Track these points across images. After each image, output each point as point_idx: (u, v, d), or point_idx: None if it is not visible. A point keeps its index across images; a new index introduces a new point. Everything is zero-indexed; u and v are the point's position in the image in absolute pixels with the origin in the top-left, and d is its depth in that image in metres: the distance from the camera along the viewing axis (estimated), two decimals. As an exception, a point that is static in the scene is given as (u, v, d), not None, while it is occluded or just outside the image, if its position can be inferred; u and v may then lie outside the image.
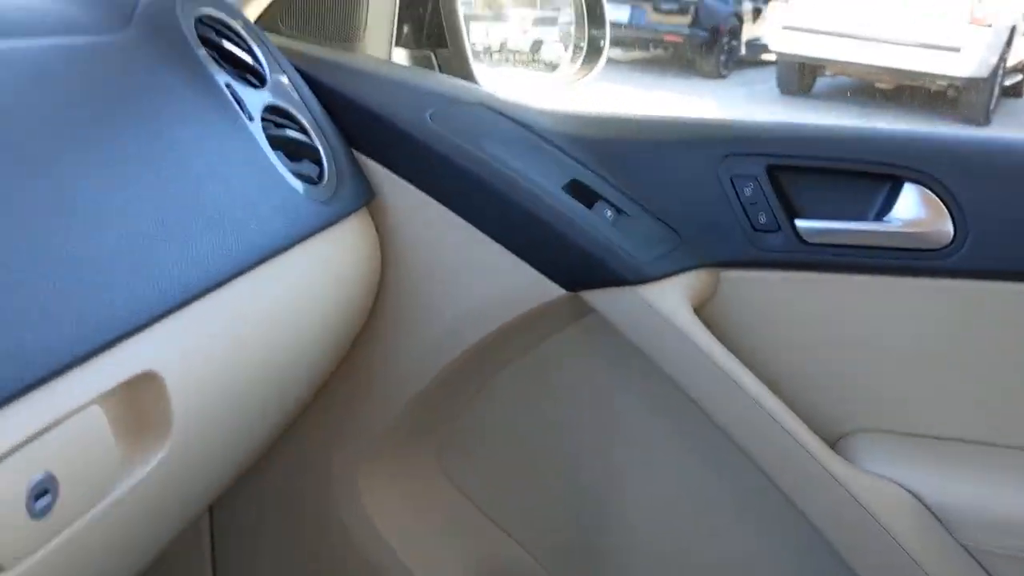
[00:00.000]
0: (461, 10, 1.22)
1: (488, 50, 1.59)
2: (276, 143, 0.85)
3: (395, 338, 1.00)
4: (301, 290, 0.85)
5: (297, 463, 1.07)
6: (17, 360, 0.53)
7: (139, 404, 0.64)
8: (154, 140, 0.73)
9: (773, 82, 9.40)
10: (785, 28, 8.89)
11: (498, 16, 1.67)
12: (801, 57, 8.93)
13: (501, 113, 1.02)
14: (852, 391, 1.00)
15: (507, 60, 1.62)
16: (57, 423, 0.56)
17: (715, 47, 10.14)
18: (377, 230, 0.97)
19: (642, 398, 1.05)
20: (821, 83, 9.45)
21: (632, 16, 9.92)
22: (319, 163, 0.89)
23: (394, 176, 0.96)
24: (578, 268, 0.94)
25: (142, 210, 0.67)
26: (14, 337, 0.53)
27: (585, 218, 0.95)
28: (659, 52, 10.47)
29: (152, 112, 0.76)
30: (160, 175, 0.71)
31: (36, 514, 0.55)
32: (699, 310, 0.98)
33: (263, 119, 0.86)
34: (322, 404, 1.02)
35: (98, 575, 0.65)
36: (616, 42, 9.96)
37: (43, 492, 0.55)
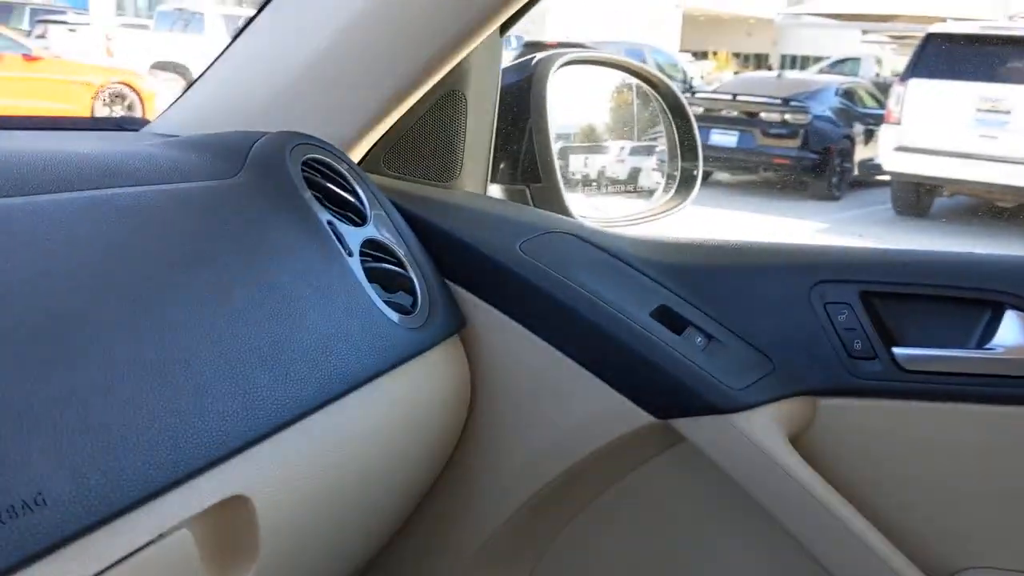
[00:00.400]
0: (554, 146, 1.27)
1: (586, 179, 1.63)
2: (373, 276, 0.90)
3: (485, 463, 1.01)
4: (393, 415, 0.88)
5: None
6: (113, 482, 0.56)
7: (228, 527, 0.67)
8: (259, 275, 0.78)
9: (888, 203, 9.25)
10: (898, 149, 8.79)
11: (596, 147, 1.72)
12: (916, 177, 8.78)
13: (589, 242, 1.05)
14: (962, 525, 0.96)
15: (604, 189, 1.66)
16: (148, 544, 0.59)
17: (826, 169, 10.08)
18: (468, 357, 0.99)
19: (736, 530, 1.02)
20: (939, 203, 9.24)
21: (740, 140, 10.00)
22: (413, 293, 0.93)
23: (484, 304, 0.99)
24: (668, 395, 0.94)
25: (243, 341, 0.71)
26: (116, 460, 0.57)
27: (675, 344, 0.95)
28: (769, 175, 10.48)
29: (258, 249, 0.81)
30: (262, 309, 0.75)
31: (126, 634, 0.57)
32: (794, 439, 0.96)
33: (362, 254, 0.90)
34: (412, 528, 1.03)
35: None
36: (724, 166, 10.03)
37: (134, 614, 0.58)
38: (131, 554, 0.58)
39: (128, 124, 1.12)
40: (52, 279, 0.63)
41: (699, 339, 0.98)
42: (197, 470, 0.62)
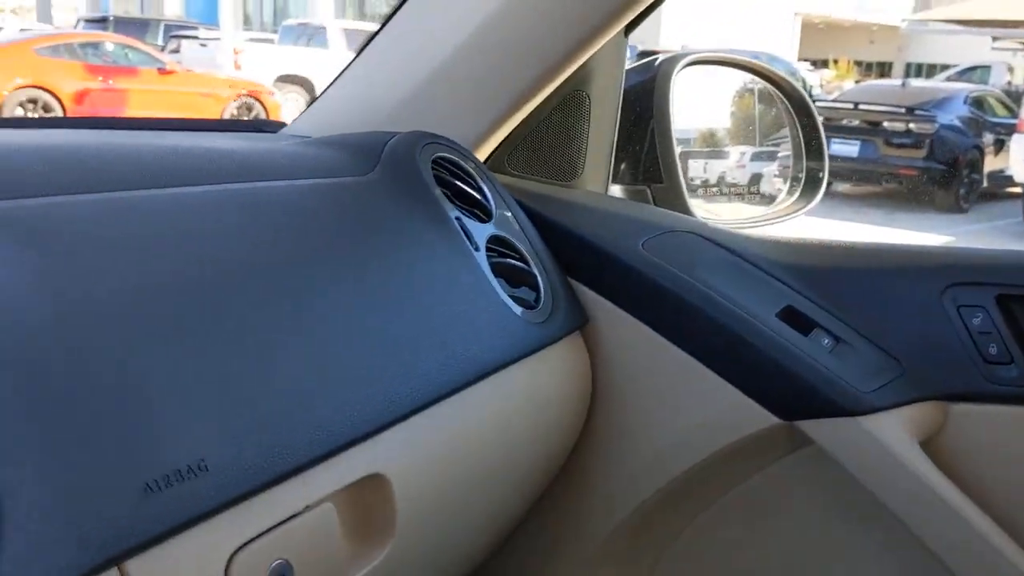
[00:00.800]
0: (677, 147, 1.27)
1: (705, 184, 1.62)
2: (498, 270, 0.92)
3: (605, 460, 1.02)
4: (516, 407, 0.90)
5: None
6: (267, 454, 0.60)
7: (367, 504, 0.70)
8: (392, 266, 0.81)
9: (1020, 216, 8.83)
10: (1031, 159, 8.40)
11: (717, 152, 1.71)
12: (1051, 189, 8.38)
13: (713, 241, 1.05)
14: None
15: (724, 194, 1.65)
16: (297, 515, 0.62)
17: (954, 180, 9.70)
18: (589, 353, 1.00)
19: (862, 534, 1.00)
20: (1076, 215, 8.78)
21: (862, 150, 9.72)
22: (536, 289, 0.95)
23: (607, 302, 1.00)
24: (794, 396, 0.93)
25: (378, 329, 0.75)
26: (268, 435, 0.60)
27: (801, 345, 0.94)
28: (892, 186, 10.14)
29: (391, 242, 0.85)
30: (395, 299, 0.78)
31: (272, 598, 0.60)
32: (924, 444, 0.93)
33: (487, 249, 0.93)
34: (529, 526, 1.05)
35: None
36: (846, 176, 9.76)
37: (279, 578, 0.61)
38: (281, 523, 0.61)
39: (266, 126, 1.18)
40: (206, 265, 0.67)
41: (826, 341, 0.96)
42: (339, 448, 0.65)
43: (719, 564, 1.07)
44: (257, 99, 11.95)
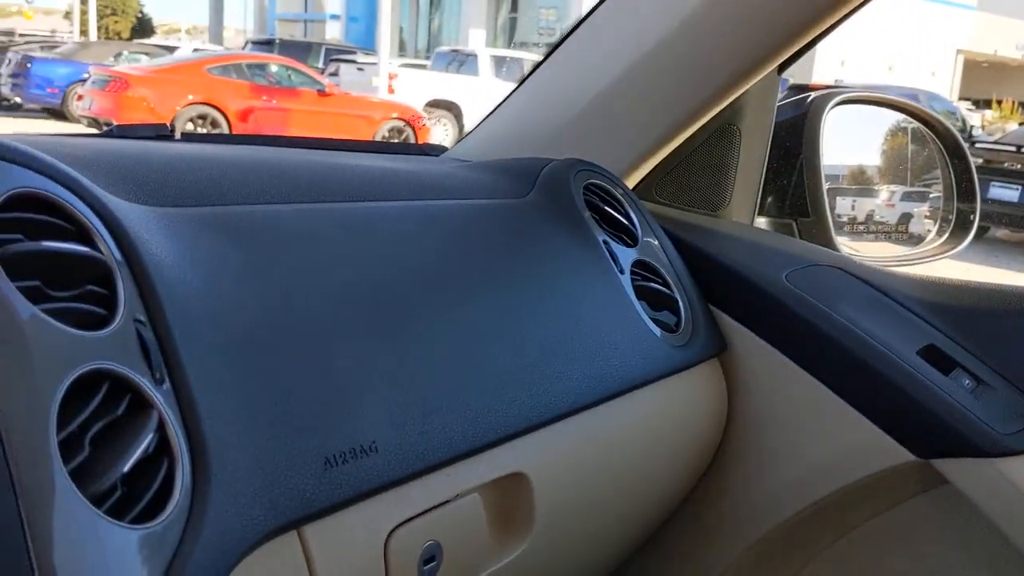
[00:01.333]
0: (825, 183, 1.29)
1: (853, 221, 1.62)
2: (641, 293, 0.96)
3: (735, 486, 1.04)
4: (652, 424, 0.94)
5: None
6: (427, 443, 0.66)
7: (509, 499, 0.75)
8: (544, 282, 0.87)
9: None
10: None
11: (866, 190, 1.70)
12: None
13: (857, 276, 1.06)
14: None
15: (872, 231, 1.64)
16: (448, 501, 0.68)
17: None
18: (727, 378, 1.03)
19: None
20: None
21: (1023, 195, 9.23)
22: (677, 313, 0.99)
23: (746, 330, 1.02)
24: (931, 434, 0.93)
25: (530, 337, 0.80)
26: (429, 425, 0.67)
27: (941, 384, 0.94)
28: (1056, 235, 9.58)
29: (544, 259, 0.91)
30: (547, 311, 0.84)
31: (423, 575, 0.66)
32: None
33: (632, 272, 0.97)
34: (662, 540, 1.08)
35: None
36: (1005, 221, 9.28)
37: (431, 558, 0.67)
38: (433, 507, 0.67)
39: (430, 150, 1.26)
40: (389, 270, 0.75)
41: (967, 381, 0.96)
42: (488, 444, 0.71)
43: None
44: (408, 122, 12.35)
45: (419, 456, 0.65)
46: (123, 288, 0.54)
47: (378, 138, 11.65)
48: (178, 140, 1.01)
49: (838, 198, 1.49)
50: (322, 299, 0.67)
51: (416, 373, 0.69)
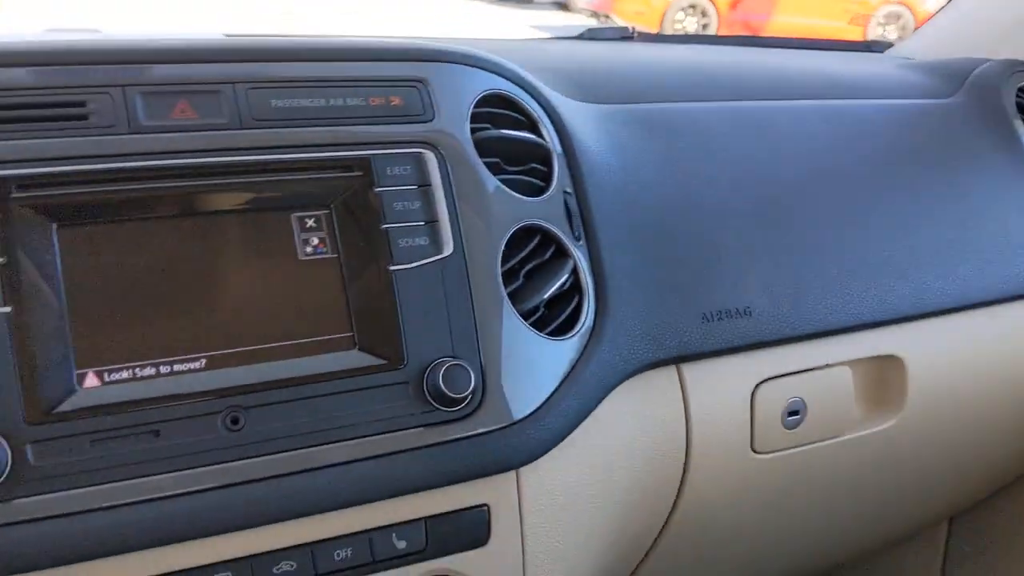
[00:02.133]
0: None
1: None
2: None
3: None
4: None
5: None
6: (799, 315, 0.77)
7: (882, 379, 0.83)
8: (950, 184, 0.90)
9: None
10: None
11: None
12: None
13: None
14: None
15: None
16: (817, 368, 0.79)
17: None
18: None
19: None
20: None
21: None
22: None
23: None
24: None
25: (925, 233, 0.85)
26: (801, 300, 0.77)
27: None
28: None
29: (959, 160, 0.93)
30: (944, 215, 0.88)
31: (787, 426, 0.78)
32: None
33: None
34: None
35: (806, 501, 0.85)
36: None
37: (795, 412, 0.78)
38: (803, 371, 0.78)
39: (875, 47, 1.29)
40: (778, 164, 0.84)
41: None
42: (865, 324, 0.80)
43: None
44: (909, 7, 11.37)
45: (790, 325, 0.76)
46: (558, 168, 0.72)
47: (873, 25, 10.90)
48: (635, 40, 1.17)
49: None
50: (717, 188, 0.79)
51: (795, 256, 0.79)
